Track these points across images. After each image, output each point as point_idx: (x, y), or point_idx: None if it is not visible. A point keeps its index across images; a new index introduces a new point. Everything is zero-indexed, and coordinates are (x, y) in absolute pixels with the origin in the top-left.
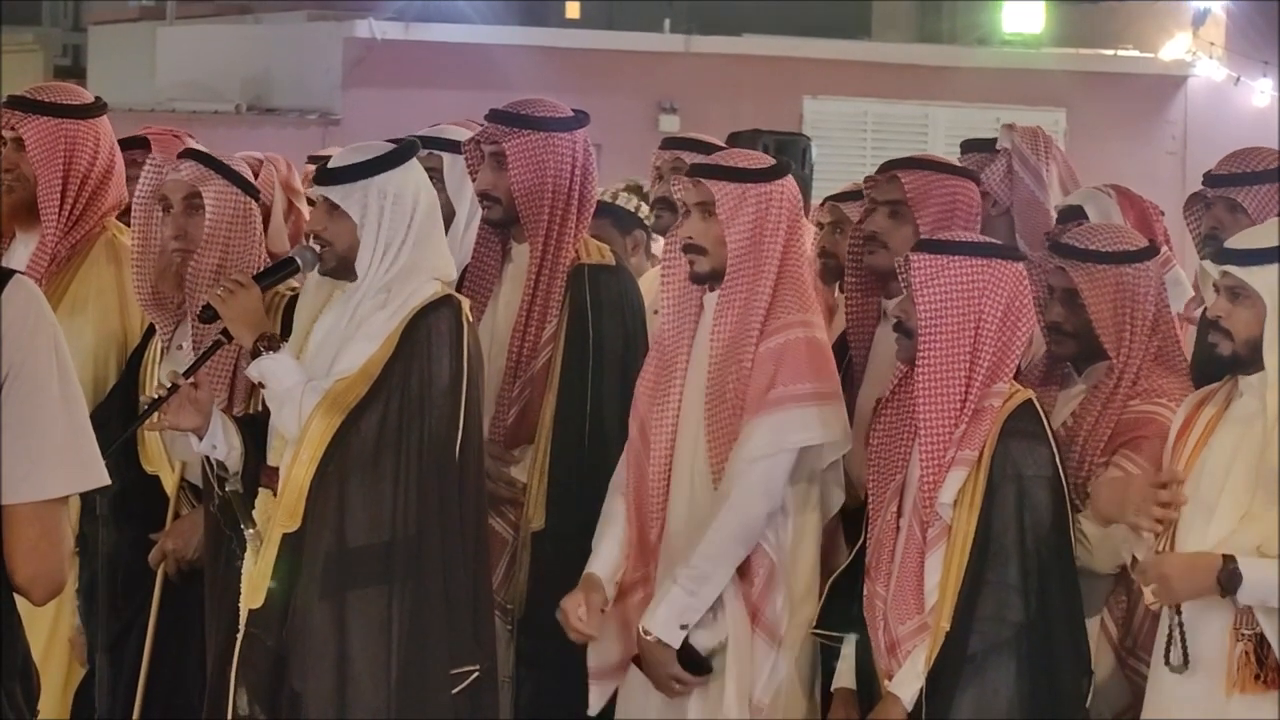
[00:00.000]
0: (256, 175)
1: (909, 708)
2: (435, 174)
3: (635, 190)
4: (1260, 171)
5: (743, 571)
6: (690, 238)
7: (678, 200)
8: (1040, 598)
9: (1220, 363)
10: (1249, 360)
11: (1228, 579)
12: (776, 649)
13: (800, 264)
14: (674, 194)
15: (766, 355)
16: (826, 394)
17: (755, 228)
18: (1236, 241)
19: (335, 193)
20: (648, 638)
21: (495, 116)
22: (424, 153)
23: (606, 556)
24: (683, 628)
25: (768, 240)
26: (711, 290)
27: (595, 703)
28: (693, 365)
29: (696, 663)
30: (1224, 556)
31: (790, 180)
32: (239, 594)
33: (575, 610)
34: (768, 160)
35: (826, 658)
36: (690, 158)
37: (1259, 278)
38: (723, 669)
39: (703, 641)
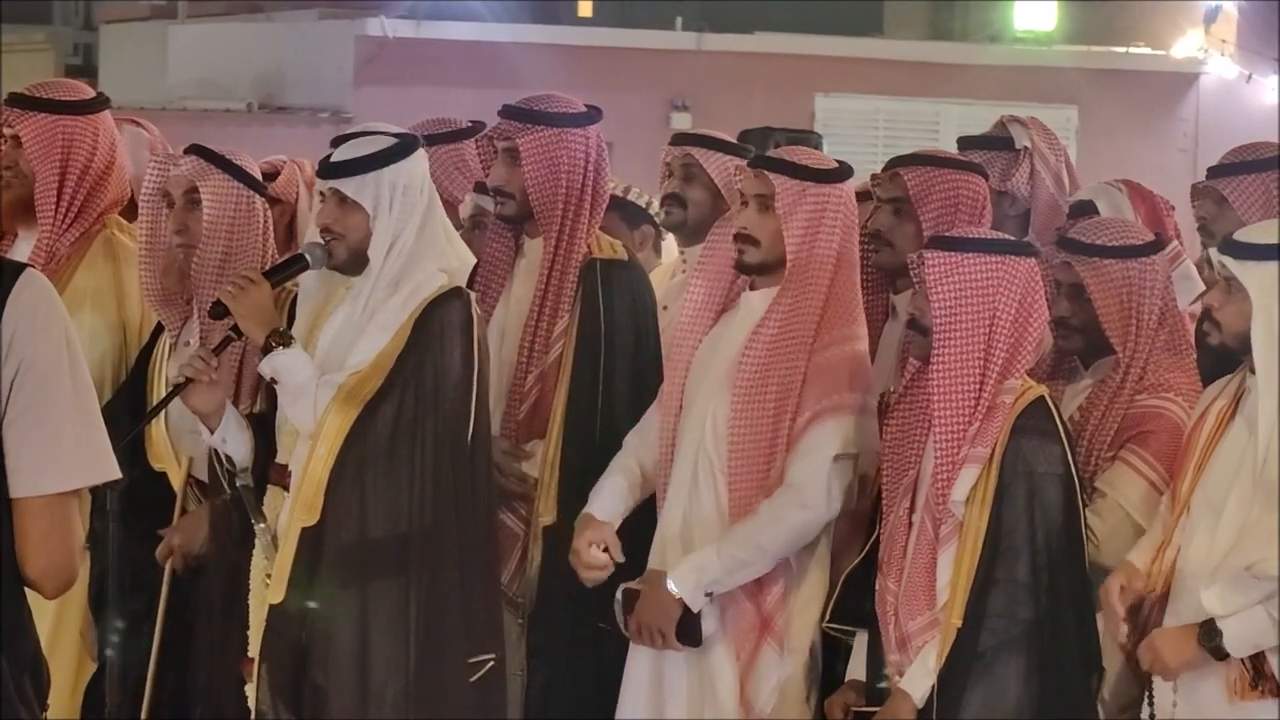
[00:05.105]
0: (278, 176)
1: (919, 705)
2: None
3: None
4: (1245, 162)
5: (759, 581)
6: (744, 228)
7: (737, 190)
8: (1051, 595)
9: (1216, 355)
10: (1239, 354)
11: (1209, 642)
12: (782, 656)
13: (853, 271)
14: (736, 184)
15: (823, 364)
16: (869, 407)
17: (810, 227)
18: (1240, 235)
19: (348, 185)
20: (669, 588)
21: (509, 112)
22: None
23: (606, 502)
24: (707, 595)
25: (821, 242)
26: (754, 288)
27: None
28: (711, 357)
29: (692, 631)
30: (1202, 624)
31: (848, 185)
32: (247, 589)
33: (585, 549)
34: (829, 162)
35: (833, 655)
36: (700, 154)
37: (1250, 274)
38: (714, 665)
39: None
